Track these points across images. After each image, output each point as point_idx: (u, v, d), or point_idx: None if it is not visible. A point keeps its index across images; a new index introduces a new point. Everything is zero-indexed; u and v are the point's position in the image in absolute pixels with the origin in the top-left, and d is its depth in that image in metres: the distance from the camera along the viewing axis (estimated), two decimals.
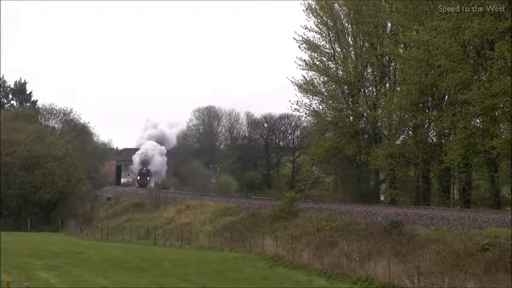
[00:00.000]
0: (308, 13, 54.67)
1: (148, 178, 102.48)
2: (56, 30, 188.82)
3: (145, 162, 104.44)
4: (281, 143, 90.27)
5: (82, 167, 73.58)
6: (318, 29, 54.41)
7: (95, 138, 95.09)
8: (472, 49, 40.48)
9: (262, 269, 30.38)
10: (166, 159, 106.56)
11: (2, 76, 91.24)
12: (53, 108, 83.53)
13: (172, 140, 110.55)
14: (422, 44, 42.00)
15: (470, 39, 38.56)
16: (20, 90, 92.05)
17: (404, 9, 44.92)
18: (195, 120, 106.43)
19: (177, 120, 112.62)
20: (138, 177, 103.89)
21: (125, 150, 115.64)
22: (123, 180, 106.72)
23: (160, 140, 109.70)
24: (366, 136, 54.88)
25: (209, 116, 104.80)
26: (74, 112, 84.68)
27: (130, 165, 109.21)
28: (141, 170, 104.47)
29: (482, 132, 39.61)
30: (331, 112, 55.55)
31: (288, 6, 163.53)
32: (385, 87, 52.27)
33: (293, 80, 54.63)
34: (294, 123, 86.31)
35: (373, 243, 31.41)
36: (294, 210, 44.64)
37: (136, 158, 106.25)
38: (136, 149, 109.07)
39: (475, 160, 41.49)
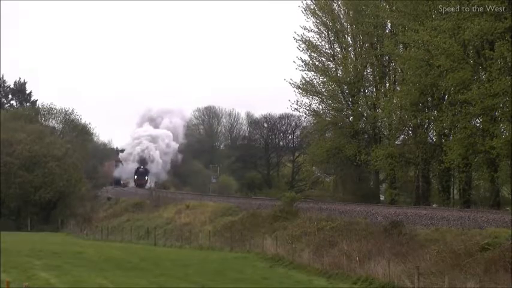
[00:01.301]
0: (307, 13, 54.68)
1: (146, 178, 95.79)
2: (56, 30, 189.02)
3: (143, 160, 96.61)
4: (281, 143, 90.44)
5: (82, 167, 73.65)
6: (317, 29, 54.43)
7: (95, 138, 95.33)
8: (472, 49, 40.49)
9: (262, 269, 30.40)
10: (172, 156, 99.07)
11: (1, 76, 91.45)
12: (53, 108, 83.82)
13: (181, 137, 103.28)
14: (422, 44, 42.00)
15: (470, 39, 38.56)
16: (19, 90, 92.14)
17: (404, 9, 44.90)
18: (195, 120, 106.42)
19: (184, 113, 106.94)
20: (135, 177, 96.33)
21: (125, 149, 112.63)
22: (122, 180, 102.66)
23: (174, 132, 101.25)
24: (366, 136, 54.86)
25: (209, 116, 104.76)
26: (75, 113, 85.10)
27: (118, 165, 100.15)
28: (138, 168, 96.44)
29: (482, 132, 39.61)
30: (331, 112, 55.53)
31: (288, 6, 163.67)
32: (385, 87, 52.22)
33: (291, 82, 54.58)
34: (294, 123, 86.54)
35: (373, 243, 31.40)
36: (294, 210, 44.64)
37: (132, 155, 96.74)
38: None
39: (475, 160, 41.50)
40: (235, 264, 32.14)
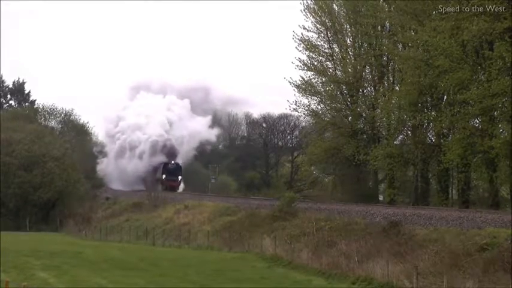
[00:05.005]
0: (306, 13, 54.64)
1: (179, 178, 74.95)
2: (56, 31, 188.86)
3: (171, 152, 76.05)
4: (280, 143, 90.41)
5: (81, 167, 73.64)
6: (316, 29, 54.38)
7: (94, 138, 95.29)
8: (471, 49, 40.45)
9: (261, 269, 30.41)
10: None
11: (1, 76, 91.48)
12: (52, 108, 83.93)
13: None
14: (421, 44, 42.00)
15: (469, 40, 38.56)
16: (18, 89, 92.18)
17: (404, 8, 44.85)
18: None
19: None
20: (163, 176, 74.58)
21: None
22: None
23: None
24: (365, 136, 54.79)
25: None
26: (74, 113, 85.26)
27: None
28: (166, 164, 74.70)
29: (481, 132, 39.57)
30: (330, 112, 55.50)
31: (288, 5, 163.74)
32: (384, 87, 52.19)
33: (291, 81, 54.54)
34: (292, 123, 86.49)
35: (372, 243, 31.42)
36: (292, 210, 44.58)
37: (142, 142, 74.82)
38: None
39: (474, 160, 41.45)
40: (234, 264, 32.16)
